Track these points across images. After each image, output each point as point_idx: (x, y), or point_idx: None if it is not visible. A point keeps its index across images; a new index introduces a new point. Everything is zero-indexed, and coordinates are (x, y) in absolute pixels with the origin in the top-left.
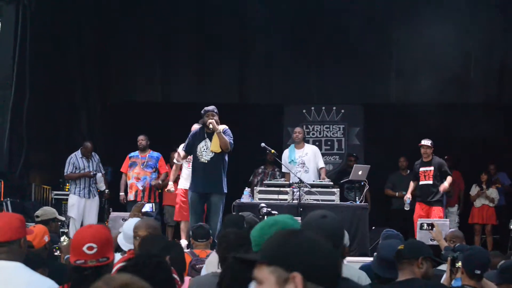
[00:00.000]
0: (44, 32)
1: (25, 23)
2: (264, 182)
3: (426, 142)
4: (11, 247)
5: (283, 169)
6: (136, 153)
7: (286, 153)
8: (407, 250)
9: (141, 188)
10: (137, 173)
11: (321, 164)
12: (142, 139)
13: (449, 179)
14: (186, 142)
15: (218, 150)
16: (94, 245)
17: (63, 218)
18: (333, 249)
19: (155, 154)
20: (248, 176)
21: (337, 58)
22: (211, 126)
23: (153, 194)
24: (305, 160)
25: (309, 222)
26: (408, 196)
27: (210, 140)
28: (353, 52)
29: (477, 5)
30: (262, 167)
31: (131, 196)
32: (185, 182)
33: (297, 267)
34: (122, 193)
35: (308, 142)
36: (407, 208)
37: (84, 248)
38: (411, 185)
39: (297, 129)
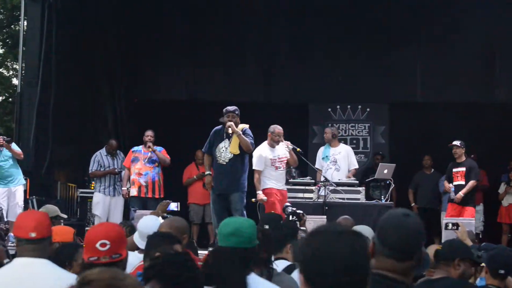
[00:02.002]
0: (69, 30)
1: (51, 21)
2: (288, 180)
3: (456, 142)
4: (44, 244)
5: (317, 165)
6: (140, 148)
7: (321, 150)
8: (444, 251)
9: (144, 183)
10: (138, 169)
11: (354, 165)
12: (151, 135)
13: (470, 184)
14: (207, 142)
15: (237, 152)
16: (107, 242)
17: (65, 216)
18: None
19: (158, 148)
20: None
21: (362, 56)
22: (230, 130)
23: (158, 189)
24: (337, 159)
25: (389, 220)
26: (450, 185)
27: (230, 141)
28: (379, 50)
29: (502, 5)
30: None
31: (134, 192)
32: (276, 182)
33: (302, 270)
34: (124, 188)
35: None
36: (453, 197)
37: (97, 245)
38: (446, 184)
39: (326, 130)
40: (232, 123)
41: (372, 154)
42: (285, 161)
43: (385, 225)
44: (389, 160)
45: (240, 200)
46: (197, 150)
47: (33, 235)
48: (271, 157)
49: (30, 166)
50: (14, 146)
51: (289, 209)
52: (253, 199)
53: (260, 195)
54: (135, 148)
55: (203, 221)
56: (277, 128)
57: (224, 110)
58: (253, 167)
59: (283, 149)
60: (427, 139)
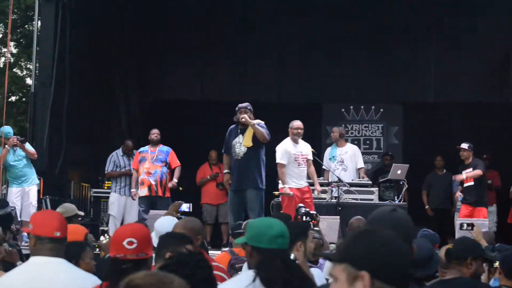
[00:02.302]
0: (83, 30)
1: (65, 21)
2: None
3: (463, 145)
4: (62, 244)
5: (324, 165)
6: (146, 148)
7: (328, 150)
8: (456, 250)
9: (153, 182)
10: (147, 168)
11: (360, 164)
12: (157, 133)
13: (475, 171)
14: (224, 142)
15: (250, 144)
16: (135, 240)
17: (82, 213)
18: (406, 249)
19: (165, 148)
20: None
21: (376, 56)
22: (243, 120)
23: (166, 188)
24: (344, 159)
25: (378, 217)
26: (459, 194)
27: (243, 136)
28: (392, 50)
29: None
30: None
31: (144, 192)
32: (296, 181)
33: (366, 265)
34: (133, 190)
35: (346, 141)
36: (459, 206)
37: (124, 243)
38: (459, 189)
39: (334, 129)
40: (245, 115)
41: (383, 155)
42: (307, 158)
43: (373, 221)
44: (402, 160)
45: (256, 198)
46: (211, 150)
47: (58, 234)
48: (294, 152)
49: (43, 166)
50: (28, 146)
51: (302, 210)
52: (276, 192)
53: (285, 188)
54: (142, 148)
55: (216, 221)
56: (295, 123)
57: (236, 108)
58: (277, 161)
59: (306, 146)
60: (440, 139)
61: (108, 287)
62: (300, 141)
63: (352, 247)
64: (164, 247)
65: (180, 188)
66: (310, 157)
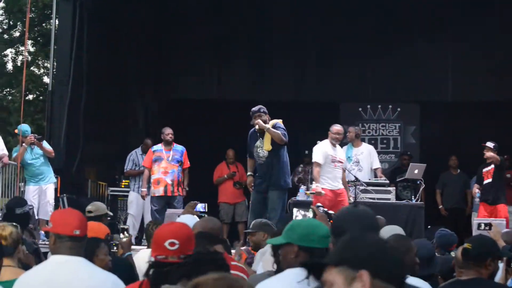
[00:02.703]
0: (100, 28)
1: (82, 20)
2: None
3: (489, 144)
4: (83, 242)
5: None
6: (159, 147)
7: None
8: (475, 251)
9: (170, 182)
10: (164, 168)
11: (376, 164)
12: (171, 133)
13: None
14: (247, 148)
15: (269, 148)
16: (176, 241)
17: (111, 214)
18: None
19: (179, 147)
20: None
21: (393, 56)
22: (257, 127)
23: (181, 187)
24: (359, 159)
25: (342, 214)
26: (476, 191)
27: (263, 139)
28: (410, 50)
29: None
30: (301, 165)
31: (159, 191)
32: (331, 182)
33: (364, 265)
34: (144, 189)
35: (364, 140)
36: (477, 204)
37: (166, 244)
38: (474, 189)
39: (350, 129)
40: (259, 120)
41: (401, 154)
42: (342, 163)
43: (338, 218)
44: (419, 160)
45: (278, 199)
46: (228, 149)
47: (77, 232)
48: (332, 154)
49: (61, 164)
50: (45, 144)
51: (321, 210)
52: (308, 191)
53: (317, 187)
54: (155, 147)
55: (233, 220)
56: (335, 127)
57: (250, 113)
58: (313, 160)
59: (343, 152)
60: (458, 139)
61: None
62: (338, 146)
63: (347, 250)
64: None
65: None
66: (346, 165)
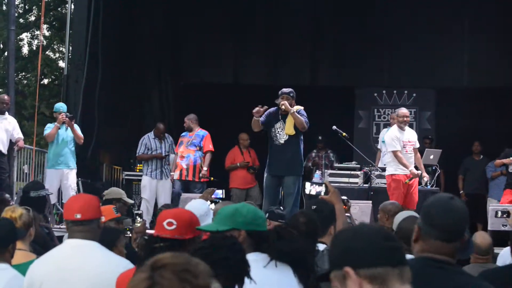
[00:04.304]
0: (116, 13)
1: (98, 4)
2: (334, 165)
3: None
4: (90, 226)
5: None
6: (186, 132)
7: (382, 133)
8: None
9: (185, 166)
10: (181, 152)
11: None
12: (190, 119)
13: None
14: (264, 116)
15: (292, 132)
16: (174, 222)
17: (131, 201)
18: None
19: (202, 132)
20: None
21: (408, 41)
22: (283, 107)
23: (197, 172)
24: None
25: (436, 203)
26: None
27: (285, 122)
28: (425, 35)
29: None
30: (315, 151)
31: (176, 175)
32: (404, 167)
33: (343, 261)
34: (173, 173)
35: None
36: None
37: (164, 223)
38: (497, 161)
39: (393, 115)
40: (285, 102)
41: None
42: (414, 145)
43: (433, 208)
44: (435, 145)
45: (294, 183)
46: (241, 133)
47: (78, 216)
48: (403, 139)
49: (76, 148)
50: (76, 127)
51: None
52: (408, 181)
53: (413, 170)
54: (183, 133)
55: None
56: (400, 111)
57: (279, 92)
58: (390, 150)
59: (413, 134)
60: (473, 124)
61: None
62: (407, 128)
63: (330, 254)
64: None
65: (212, 178)
66: (417, 145)
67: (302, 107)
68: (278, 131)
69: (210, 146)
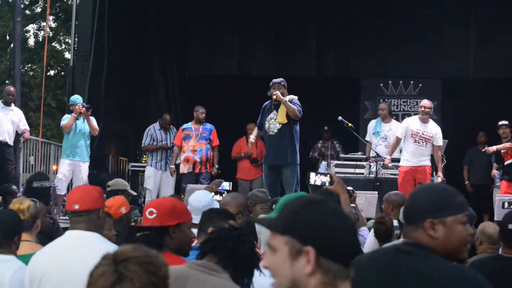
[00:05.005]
0: (122, 4)
1: None
2: (340, 155)
3: (504, 122)
4: (90, 216)
5: (367, 138)
6: (189, 125)
7: (372, 124)
8: None
9: (198, 160)
10: (192, 146)
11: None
12: (204, 112)
13: (504, 144)
14: (259, 117)
15: (285, 121)
16: (155, 211)
17: (134, 193)
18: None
19: (208, 125)
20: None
21: (414, 31)
22: (274, 97)
23: (209, 165)
24: (388, 135)
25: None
26: (495, 172)
27: (277, 112)
28: (431, 25)
29: None
30: (321, 141)
31: (188, 169)
32: (409, 158)
33: (311, 240)
34: (173, 166)
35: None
36: (498, 184)
37: (146, 213)
38: (495, 166)
39: (382, 106)
40: (277, 92)
41: None
42: (430, 140)
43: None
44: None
45: (292, 174)
46: (249, 123)
47: (76, 207)
48: (415, 129)
49: None
50: (92, 118)
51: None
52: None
53: (387, 159)
54: (185, 125)
55: None
56: (422, 102)
57: (270, 83)
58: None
59: (434, 128)
60: (479, 115)
61: None
62: (431, 122)
63: (298, 219)
64: (207, 223)
65: (219, 171)
66: (436, 142)
67: (295, 97)
68: (272, 122)
69: (217, 141)
